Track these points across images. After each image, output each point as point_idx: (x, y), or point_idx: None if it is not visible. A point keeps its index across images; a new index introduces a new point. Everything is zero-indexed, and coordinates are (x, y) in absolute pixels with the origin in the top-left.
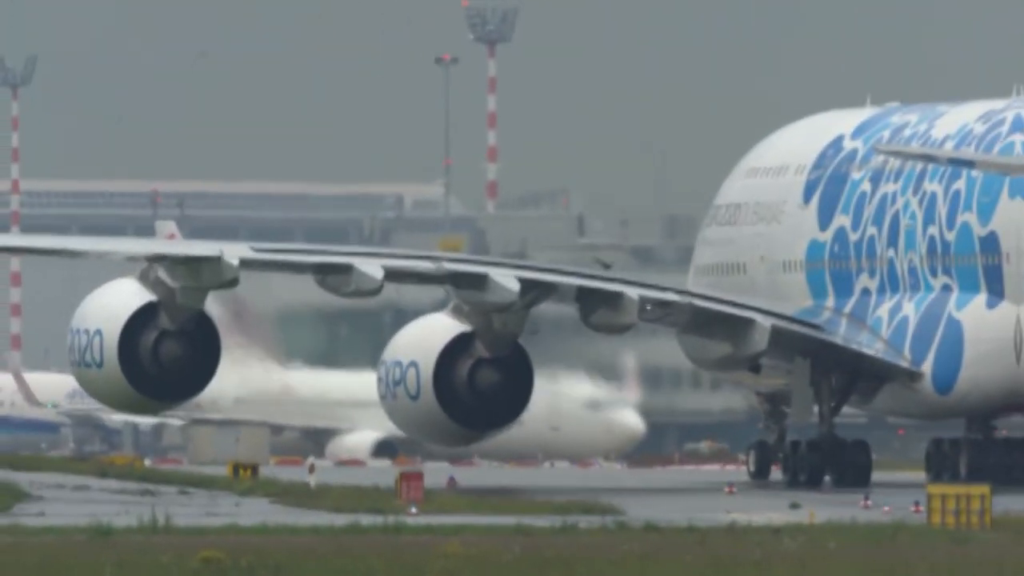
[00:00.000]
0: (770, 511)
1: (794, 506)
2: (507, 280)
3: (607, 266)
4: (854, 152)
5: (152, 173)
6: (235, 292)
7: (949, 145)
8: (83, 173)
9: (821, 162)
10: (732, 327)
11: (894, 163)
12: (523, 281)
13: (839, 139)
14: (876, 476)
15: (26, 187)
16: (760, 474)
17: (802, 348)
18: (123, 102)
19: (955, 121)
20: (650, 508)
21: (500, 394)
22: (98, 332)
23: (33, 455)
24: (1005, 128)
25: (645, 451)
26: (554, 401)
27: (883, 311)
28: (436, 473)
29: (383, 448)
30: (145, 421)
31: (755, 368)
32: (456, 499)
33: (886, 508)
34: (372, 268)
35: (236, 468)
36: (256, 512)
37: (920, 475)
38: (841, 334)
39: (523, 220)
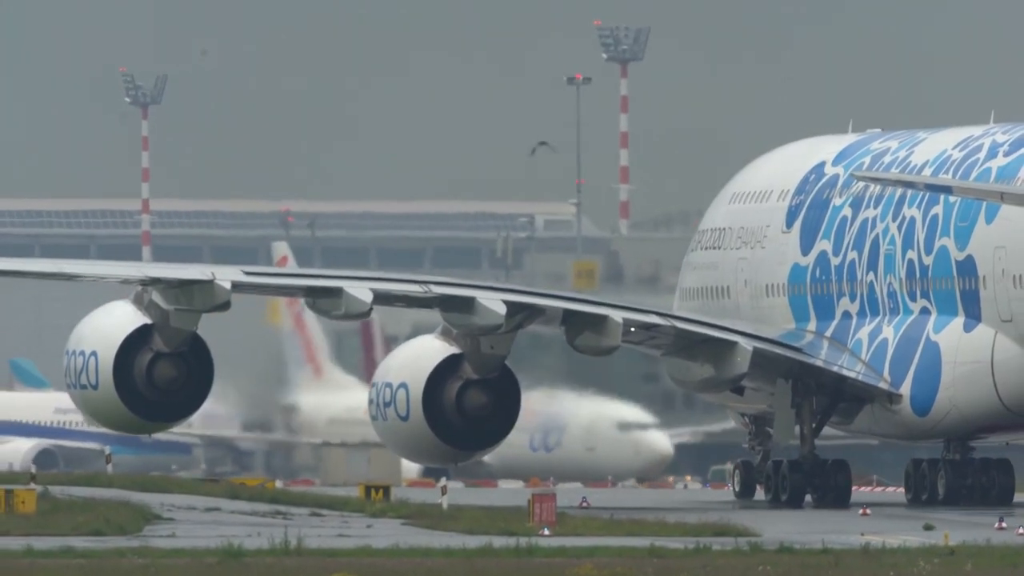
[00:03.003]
0: (904, 533)
1: (928, 527)
2: (493, 303)
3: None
4: (835, 178)
5: (283, 193)
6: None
7: (928, 171)
8: (213, 193)
9: (803, 188)
10: (714, 349)
11: (874, 189)
12: (509, 304)
13: (820, 165)
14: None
15: (156, 207)
16: (745, 493)
17: (784, 370)
18: (253, 121)
19: (934, 147)
20: (785, 530)
21: (488, 415)
22: (93, 354)
23: (164, 476)
24: (982, 154)
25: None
26: (590, 422)
27: (863, 334)
28: (568, 495)
29: (431, 468)
30: (274, 441)
31: (738, 390)
32: (589, 521)
33: (1021, 530)
34: (361, 292)
35: (368, 489)
36: (388, 534)
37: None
38: (822, 356)
39: (656, 242)
